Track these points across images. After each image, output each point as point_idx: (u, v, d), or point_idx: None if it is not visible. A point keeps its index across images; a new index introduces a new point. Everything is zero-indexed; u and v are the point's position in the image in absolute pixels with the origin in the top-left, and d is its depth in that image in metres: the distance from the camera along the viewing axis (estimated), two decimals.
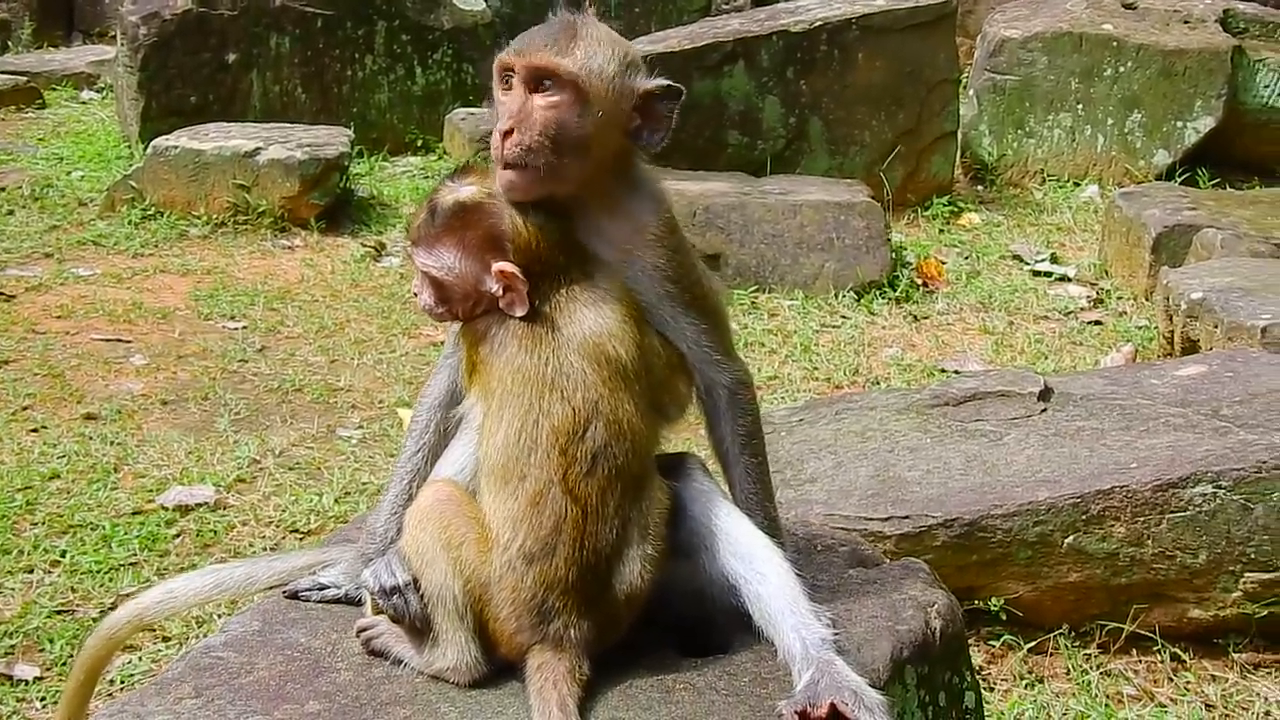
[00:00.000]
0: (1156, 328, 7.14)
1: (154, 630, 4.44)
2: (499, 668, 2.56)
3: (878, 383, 6.74)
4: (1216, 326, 6.26)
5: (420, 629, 2.57)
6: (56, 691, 4.09)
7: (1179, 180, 9.86)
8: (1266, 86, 10.31)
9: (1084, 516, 4.35)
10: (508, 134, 2.59)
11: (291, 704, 2.50)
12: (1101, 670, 4.37)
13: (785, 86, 9.47)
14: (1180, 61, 10.19)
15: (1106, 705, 4.22)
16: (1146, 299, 7.80)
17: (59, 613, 4.59)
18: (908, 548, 4.19)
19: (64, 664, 4.27)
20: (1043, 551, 4.37)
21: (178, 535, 5.10)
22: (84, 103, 12.23)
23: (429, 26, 10.87)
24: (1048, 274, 8.46)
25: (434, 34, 10.89)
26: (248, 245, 8.50)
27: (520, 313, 2.61)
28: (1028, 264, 8.61)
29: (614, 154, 2.67)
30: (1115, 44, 10.30)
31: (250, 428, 6.03)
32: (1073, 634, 4.46)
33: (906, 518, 4.34)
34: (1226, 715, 4.23)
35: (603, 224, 2.68)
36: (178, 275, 7.98)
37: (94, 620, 4.30)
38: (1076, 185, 10.21)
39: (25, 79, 12.23)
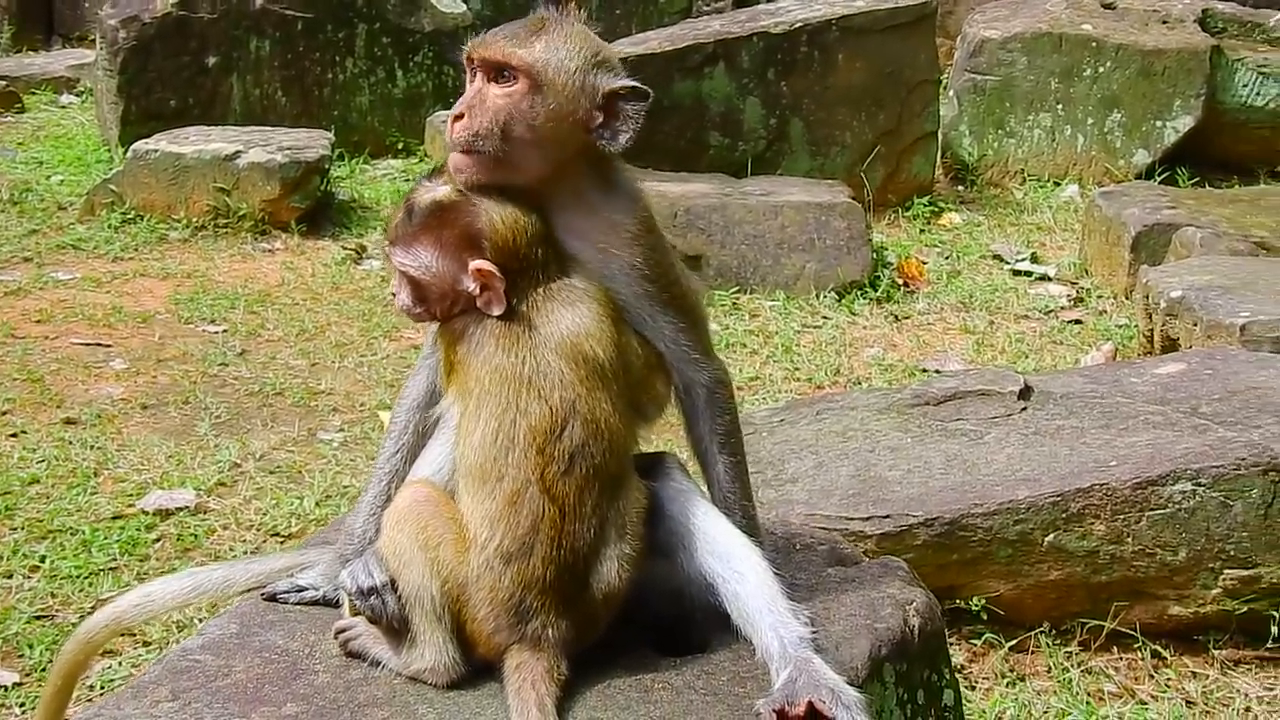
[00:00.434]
0: (1136, 326, 7.17)
1: (133, 635, 4.43)
2: (477, 668, 2.56)
3: (859, 383, 6.75)
4: (1196, 325, 6.28)
5: (398, 630, 2.56)
6: (35, 697, 4.07)
7: (1158, 179, 9.90)
8: (1245, 86, 10.35)
9: (1064, 515, 4.36)
10: (458, 118, 2.62)
11: (269, 706, 2.49)
12: (1082, 668, 4.39)
13: (766, 88, 9.48)
14: (1159, 61, 10.23)
15: (1088, 703, 4.23)
16: (1126, 298, 7.83)
17: (38, 618, 4.58)
18: (889, 547, 4.19)
19: (43, 669, 4.24)
20: (1023, 550, 4.38)
21: (158, 540, 5.08)
22: (63, 107, 12.17)
23: (409, 29, 10.84)
24: (1028, 273, 8.48)
25: (414, 36, 10.86)
26: (228, 249, 8.47)
27: (497, 311, 2.61)
28: (1008, 263, 8.63)
29: (578, 150, 2.67)
30: (1095, 44, 10.33)
31: (231, 431, 6.01)
32: (1053, 632, 4.47)
33: (887, 517, 4.35)
34: (1207, 712, 4.24)
35: (579, 223, 2.68)
36: (158, 279, 7.95)
37: (74, 625, 4.28)
38: (1057, 185, 10.23)
39: (4, 83, 12.16)
